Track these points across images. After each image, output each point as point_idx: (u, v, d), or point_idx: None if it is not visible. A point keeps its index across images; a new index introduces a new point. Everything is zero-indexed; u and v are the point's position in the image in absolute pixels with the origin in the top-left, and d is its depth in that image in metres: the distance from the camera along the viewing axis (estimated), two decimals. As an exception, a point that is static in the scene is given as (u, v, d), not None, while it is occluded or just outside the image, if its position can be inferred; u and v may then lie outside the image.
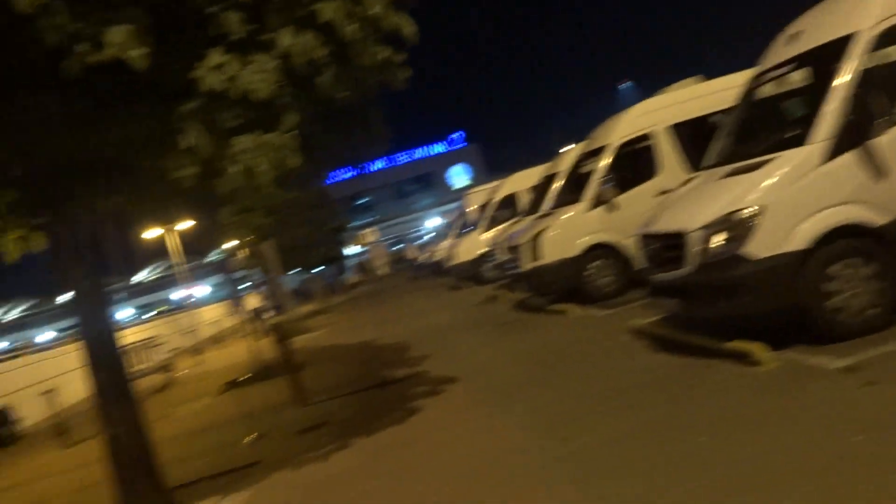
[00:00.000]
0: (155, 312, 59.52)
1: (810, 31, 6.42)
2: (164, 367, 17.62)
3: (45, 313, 77.08)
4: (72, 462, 10.04)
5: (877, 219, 5.51)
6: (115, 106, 4.39)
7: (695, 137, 10.74)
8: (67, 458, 10.50)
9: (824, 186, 5.56)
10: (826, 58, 6.10)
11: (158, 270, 77.41)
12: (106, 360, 5.88)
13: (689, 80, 11.66)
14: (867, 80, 5.63)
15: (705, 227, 5.84)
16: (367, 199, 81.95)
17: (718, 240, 5.73)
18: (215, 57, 4.34)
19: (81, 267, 5.80)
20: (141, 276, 77.20)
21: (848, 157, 5.55)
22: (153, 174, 4.62)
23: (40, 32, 3.63)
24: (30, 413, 15.69)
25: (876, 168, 5.51)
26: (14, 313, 79.75)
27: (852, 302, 5.50)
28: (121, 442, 5.83)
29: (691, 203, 6.48)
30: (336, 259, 36.28)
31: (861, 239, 5.55)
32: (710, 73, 11.66)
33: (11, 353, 25.34)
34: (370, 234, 44.85)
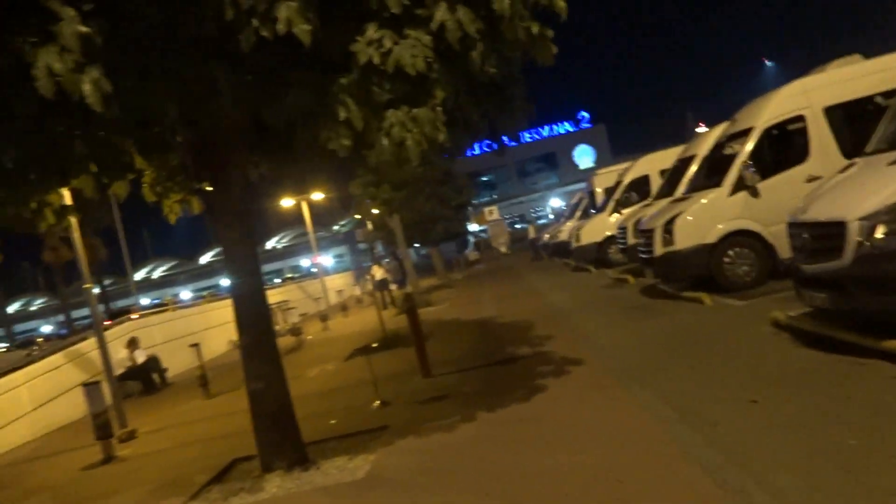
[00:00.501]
0: (284, 278, 62.65)
1: None
2: (295, 330, 18.53)
3: (186, 273, 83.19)
4: (214, 411, 10.84)
5: None
6: (279, 78, 4.64)
7: (852, 121, 10.02)
8: (210, 407, 11.34)
9: None
10: None
11: (287, 238, 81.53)
12: (255, 318, 6.26)
13: (847, 59, 10.81)
14: None
15: (868, 216, 5.45)
16: (489, 176, 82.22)
17: (882, 231, 5.34)
18: (372, 31, 4.48)
19: (235, 230, 6.18)
20: (272, 242, 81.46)
21: None
22: (309, 144, 4.85)
23: (219, 7, 3.88)
24: (175, 364, 17.10)
25: None
26: (158, 272, 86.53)
27: None
28: (263, 396, 6.20)
29: (852, 191, 6.06)
30: (459, 235, 36.66)
31: None
32: (868, 51, 10.78)
33: (159, 308, 27.51)
34: (492, 212, 44.95)
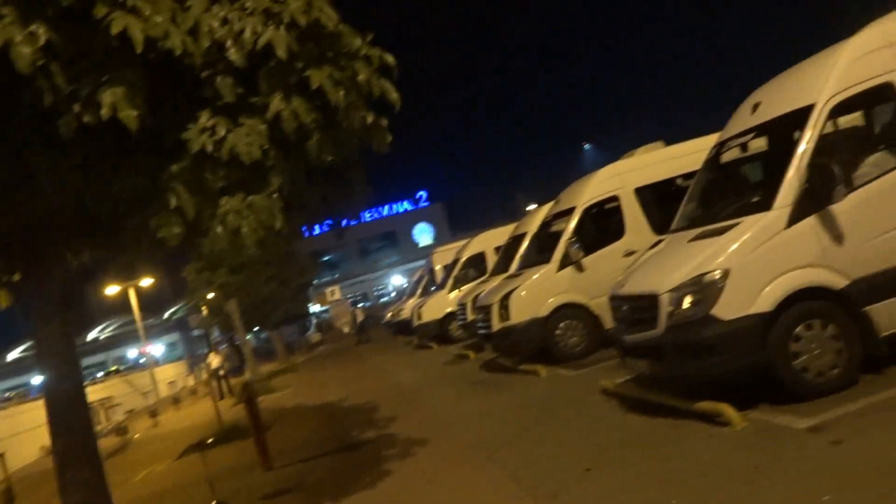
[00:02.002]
0: (106, 372, 57.73)
1: (770, 102, 6.80)
2: (120, 429, 17.04)
3: (-8, 371, 74.25)
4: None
5: (836, 282, 5.77)
6: (104, 164, 4.43)
7: (659, 200, 11.12)
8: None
9: (787, 251, 5.81)
10: (786, 128, 6.49)
11: (112, 327, 75.48)
12: (72, 422, 5.74)
13: (651, 146, 12.10)
14: (824, 149, 5.97)
15: (675, 289, 6.02)
16: (331, 256, 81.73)
17: (688, 302, 5.92)
18: (205, 119, 4.44)
19: (52, 325, 5.69)
20: (94, 332, 75.07)
21: (808, 223, 5.82)
22: (137, 232, 4.63)
23: (37, 93, 3.69)
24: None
25: (834, 234, 5.79)
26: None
27: (815, 362, 5.69)
28: (83, 510, 5.63)
29: (661, 265, 6.69)
30: (301, 317, 35.89)
31: (822, 301, 5.79)
32: (669, 138, 12.17)
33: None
34: (334, 293, 44.51)
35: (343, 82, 4.64)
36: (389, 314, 32.30)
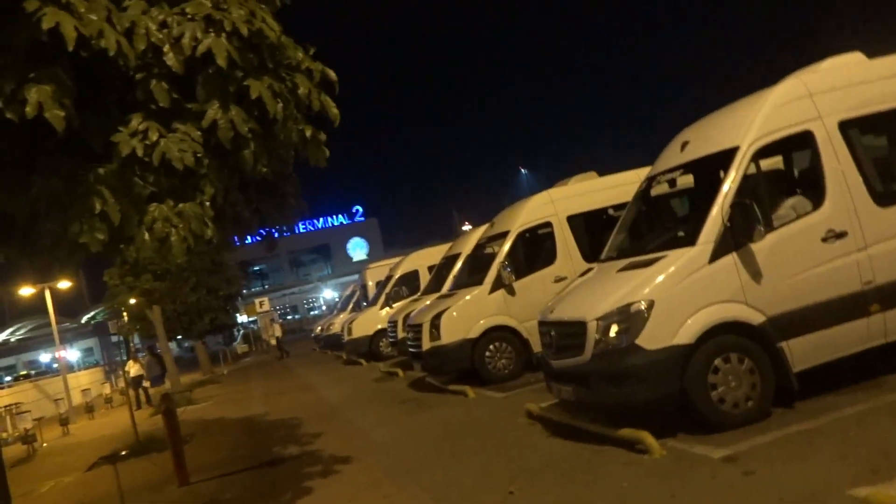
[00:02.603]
0: (16, 376, 54.83)
1: (697, 141, 7.07)
2: (27, 438, 16.14)
3: None
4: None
5: (753, 317, 6.01)
6: (24, 162, 4.24)
7: (590, 229, 11.40)
8: None
9: (708, 285, 6.03)
10: (711, 167, 6.75)
11: (25, 329, 71.86)
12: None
13: (584, 175, 12.40)
14: (746, 190, 6.23)
15: (602, 317, 6.16)
16: (261, 266, 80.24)
17: (614, 330, 6.05)
18: (136, 122, 4.31)
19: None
20: (5, 334, 71.31)
21: (729, 260, 6.06)
22: (56, 236, 4.43)
23: (-45, 85, 3.51)
24: None
25: (753, 271, 6.03)
26: None
27: (731, 394, 5.91)
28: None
29: (590, 293, 6.83)
30: (226, 327, 34.98)
31: (740, 336, 6.02)
32: (600, 168, 12.52)
33: None
34: (263, 304, 43.59)
35: (282, 94, 4.59)
36: (319, 328, 31.89)
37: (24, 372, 59.50)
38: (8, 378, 53.89)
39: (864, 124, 6.55)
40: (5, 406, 19.95)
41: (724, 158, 6.40)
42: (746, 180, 6.28)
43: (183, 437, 9.40)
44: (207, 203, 4.66)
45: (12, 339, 72.23)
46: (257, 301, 43.03)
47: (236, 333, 51.51)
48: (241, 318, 50.09)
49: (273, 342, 44.23)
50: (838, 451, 4.91)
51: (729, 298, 6.02)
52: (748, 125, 6.42)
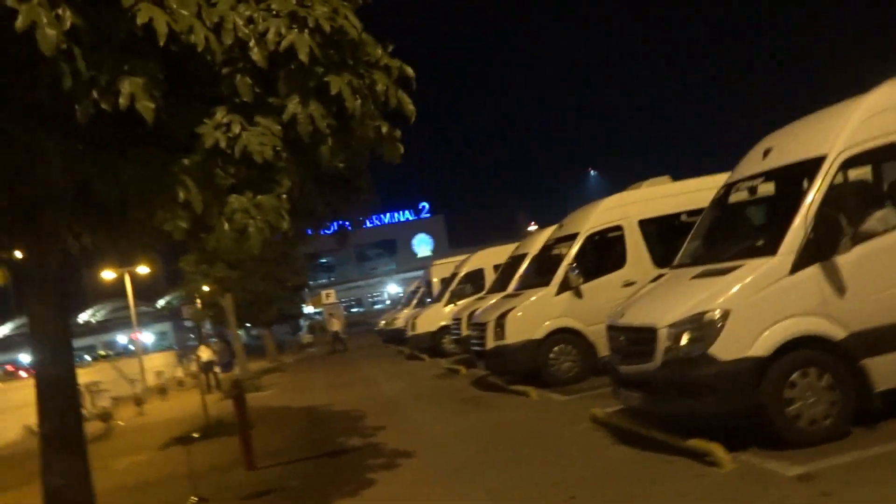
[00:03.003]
0: (95, 356, 57.45)
1: (781, 149, 6.81)
2: (104, 415, 16.91)
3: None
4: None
5: (835, 332, 5.75)
6: (116, 151, 4.43)
7: (662, 234, 11.14)
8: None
9: (788, 297, 5.80)
10: (796, 176, 6.49)
11: (104, 311, 75.26)
12: (61, 404, 5.67)
13: (658, 179, 12.12)
14: (832, 201, 5.97)
15: (674, 324, 6.01)
16: (327, 258, 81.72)
17: (687, 338, 5.90)
18: (220, 115, 4.44)
19: (47, 306, 5.65)
20: (86, 315, 74.85)
21: (811, 272, 5.82)
22: (142, 222, 4.62)
23: (57, 75, 3.68)
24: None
25: (836, 284, 5.78)
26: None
27: (808, 410, 5.68)
28: (62, 494, 5.56)
29: (662, 299, 6.68)
30: (293, 317, 35.79)
31: (819, 350, 5.78)
32: (676, 173, 12.21)
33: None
34: (329, 295, 44.39)
35: (361, 90, 4.65)
36: (382, 322, 32.28)
37: (102, 352, 62.32)
38: (88, 357, 56.56)
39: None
40: (86, 384, 20.88)
41: (810, 167, 6.14)
42: (832, 190, 6.02)
43: (250, 423, 9.65)
44: (284, 196, 4.77)
45: (93, 321, 75.78)
46: (323, 293, 43.82)
47: (302, 324, 52.60)
48: (308, 310, 51.08)
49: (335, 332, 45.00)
50: (924, 477, 4.65)
51: (809, 311, 5.79)
52: (837, 134, 6.14)
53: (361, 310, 78.50)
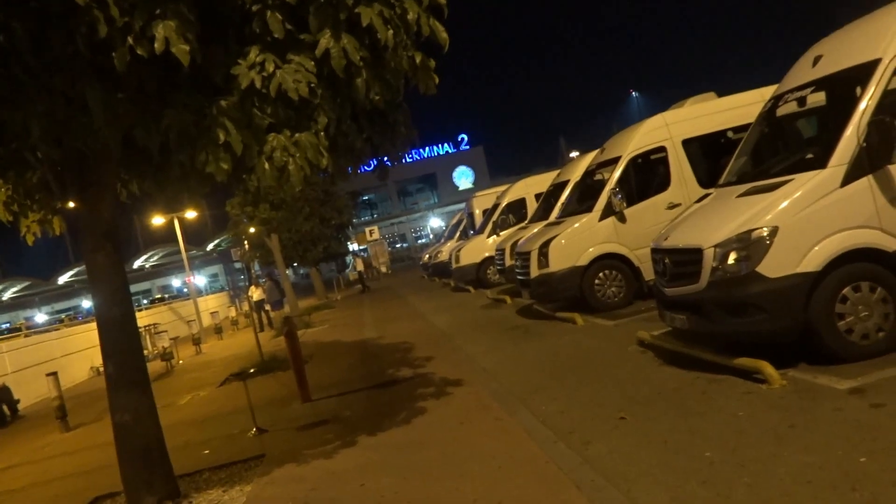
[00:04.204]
0: (152, 300, 59.56)
1: (831, 56, 6.52)
2: (166, 355, 17.64)
3: (42, 294, 77.21)
4: (72, 445, 10.12)
5: (889, 244, 5.61)
6: (155, 98, 4.47)
7: (706, 153, 10.87)
8: (68, 442, 10.58)
9: (839, 210, 5.66)
10: (846, 84, 6.23)
11: (157, 257, 77.57)
12: (122, 345, 5.93)
13: (702, 96, 11.74)
14: (885, 108, 5.72)
15: (721, 244, 5.93)
16: (369, 196, 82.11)
17: (733, 258, 5.83)
18: (254, 55, 4.43)
19: (103, 252, 5.85)
20: (140, 261, 77.24)
21: (864, 183, 5.65)
22: (185, 166, 4.69)
23: (91, 24, 3.71)
24: (29, 395, 15.81)
25: (890, 195, 5.60)
26: (9, 294, 79.70)
27: (861, 325, 5.61)
28: (131, 429, 5.86)
29: (707, 220, 6.57)
30: (339, 255, 36.34)
31: (872, 263, 5.65)
32: (721, 89, 11.78)
33: (11, 333, 25.34)
34: (372, 233, 44.82)
35: (392, 20, 4.56)
36: (427, 256, 32.59)
37: (158, 296, 64.53)
38: (145, 301, 58.67)
39: None
40: (145, 326, 21.73)
41: (863, 73, 5.88)
42: (887, 97, 5.76)
43: (303, 358, 9.96)
44: (322, 133, 4.77)
45: (147, 266, 78.20)
46: (367, 230, 44.24)
47: (348, 261, 53.35)
48: (353, 247, 51.76)
49: (385, 269, 45.58)
50: (981, 386, 4.58)
51: (862, 224, 5.64)
52: (891, 36, 5.83)
53: (406, 245, 79.15)
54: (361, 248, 58.15)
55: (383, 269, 50.64)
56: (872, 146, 5.62)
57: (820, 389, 5.26)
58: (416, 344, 12.30)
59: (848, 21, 6.70)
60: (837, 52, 6.49)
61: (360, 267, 36.06)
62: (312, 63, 4.49)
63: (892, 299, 5.63)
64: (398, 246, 77.70)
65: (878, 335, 5.62)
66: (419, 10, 4.79)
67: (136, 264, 75.67)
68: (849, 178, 5.67)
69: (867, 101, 5.74)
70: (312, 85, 4.52)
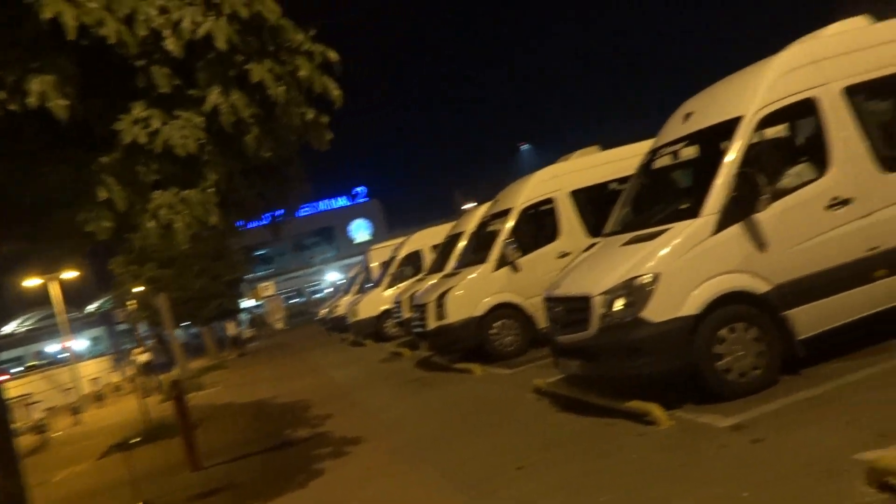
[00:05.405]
0: (25, 367, 55.21)
1: (700, 112, 7.04)
2: (39, 427, 16.32)
3: None
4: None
5: (758, 286, 6.02)
6: (29, 155, 4.25)
7: (594, 203, 11.36)
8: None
9: (713, 256, 6.03)
10: (715, 137, 6.73)
11: (31, 321, 72.22)
12: (-11, 419, 5.47)
13: (587, 149, 12.34)
14: (751, 160, 6.21)
15: (607, 291, 6.18)
16: (265, 250, 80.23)
17: (619, 304, 6.08)
18: (139, 110, 4.31)
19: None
20: (11, 326, 71.70)
21: (734, 230, 6.05)
22: (64, 225, 4.45)
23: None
24: None
25: (758, 241, 6.04)
26: None
27: (738, 363, 5.94)
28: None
29: (594, 268, 6.84)
30: (232, 312, 35.12)
31: (745, 305, 6.04)
32: (606, 140, 12.44)
33: None
34: (267, 288, 43.76)
35: (284, 77, 4.58)
36: (325, 310, 32.02)
37: (32, 362, 59.83)
38: (17, 369, 54.23)
39: (870, 89, 6.51)
40: (16, 397, 20.07)
41: (728, 128, 6.37)
42: (751, 149, 6.25)
43: (193, 423, 9.48)
44: (211, 189, 4.66)
45: (19, 331, 72.61)
46: (262, 286, 43.18)
47: (241, 319, 51.74)
48: (247, 304, 50.26)
49: (280, 325, 44.39)
50: (845, 416, 4.93)
51: (734, 269, 6.03)
52: (752, 94, 6.38)
53: (302, 299, 77.56)
54: (257, 303, 56.57)
55: (279, 326, 49.32)
56: (740, 196, 6.06)
57: (704, 428, 5.51)
58: (314, 401, 11.99)
59: (717, 79, 7.27)
60: (706, 108, 7.02)
61: (233, 331, 35.15)
62: (201, 119, 4.42)
63: (764, 338, 6.01)
64: (295, 301, 75.99)
65: (755, 372, 5.96)
66: (311, 68, 4.83)
67: (7, 329, 70.16)
68: (720, 226, 6.07)
69: (733, 155, 6.20)
70: (201, 141, 4.43)
